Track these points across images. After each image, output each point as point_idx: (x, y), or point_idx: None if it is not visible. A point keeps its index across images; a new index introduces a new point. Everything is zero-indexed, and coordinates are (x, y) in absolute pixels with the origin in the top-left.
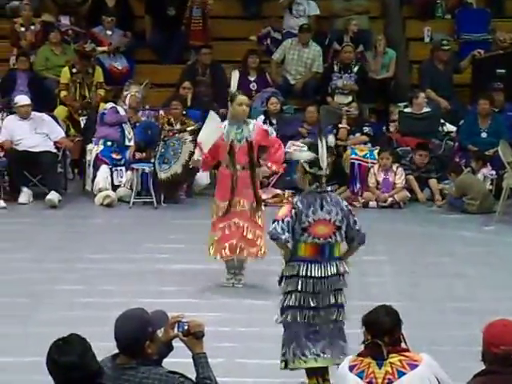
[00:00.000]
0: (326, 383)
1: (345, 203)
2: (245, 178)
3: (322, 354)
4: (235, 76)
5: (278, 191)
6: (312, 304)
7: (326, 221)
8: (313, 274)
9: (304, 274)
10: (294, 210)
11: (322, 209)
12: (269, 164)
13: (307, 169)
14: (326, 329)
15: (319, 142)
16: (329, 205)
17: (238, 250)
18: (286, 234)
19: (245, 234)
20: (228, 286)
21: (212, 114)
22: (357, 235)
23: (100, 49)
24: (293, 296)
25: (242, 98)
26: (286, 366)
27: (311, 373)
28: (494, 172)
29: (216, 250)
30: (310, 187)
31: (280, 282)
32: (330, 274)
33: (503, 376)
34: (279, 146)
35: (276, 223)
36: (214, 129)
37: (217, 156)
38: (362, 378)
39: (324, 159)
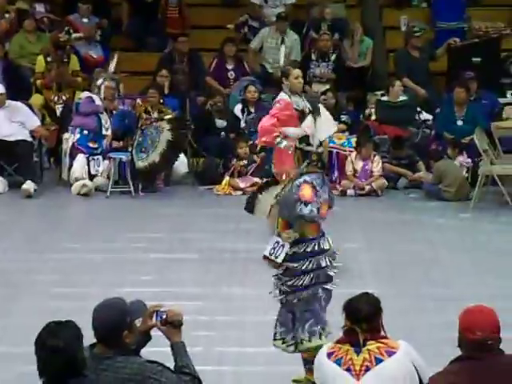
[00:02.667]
0: None
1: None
2: None
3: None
4: (283, 51)
5: (257, 180)
6: (326, 279)
7: (326, 200)
8: (323, 247)
9: (318, 249)
10: (314, 191)
11: (322, 188)
12: None
13: (296, 144)
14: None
15: (314, 117)
16: (325, 184)
17: None
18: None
19: None
20: None
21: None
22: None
23: (76, 35)
24: (312, 274)
25: (296, 71)
26: (296, 348)
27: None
28: (469, 160)
29: None
30: (303, 165)
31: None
32: (328, 247)
33: (479, 362)
34: None
35: (310, 205)
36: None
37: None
38: (339, 365)
39: (316, 137)
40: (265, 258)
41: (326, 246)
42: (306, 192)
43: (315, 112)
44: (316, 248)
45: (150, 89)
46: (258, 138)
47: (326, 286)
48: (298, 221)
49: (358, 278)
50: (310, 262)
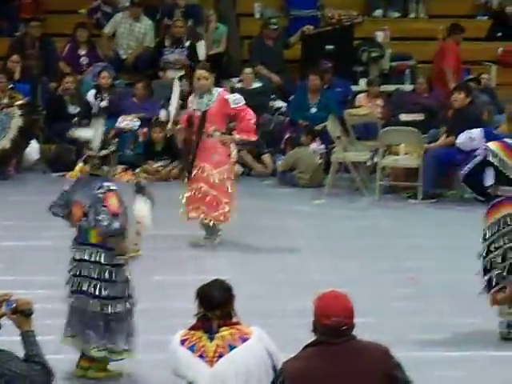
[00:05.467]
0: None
1: (100, 191)
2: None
3: (71, 338)
4: (201, 46)
5: None
6: (73, 288)
7: (79, 203)
8: (73, 257)
9: (73, 255)
10: (66, 188)
11: (82, 191)
12: (235, 133)
13: (85, 149)
14: (82, 315)
15: (95, 121)
16: (86, 188)
17: (199, 213)
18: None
19: (207, 198)
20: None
21: (176, 83)
22: (100, 226)
23: None
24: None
25: (199, 72)
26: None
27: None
28: (323, 146)
29: (184, 212)
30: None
31: None
32: (83, 258)
33: (332, 346)
34: (245, 114)
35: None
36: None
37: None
38: (193, 352)
39: (96, 139)
40: None
41: (75, 256)
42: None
43: (98, 115)
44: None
45: None
46: None
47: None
48: None
49: (212, 264)
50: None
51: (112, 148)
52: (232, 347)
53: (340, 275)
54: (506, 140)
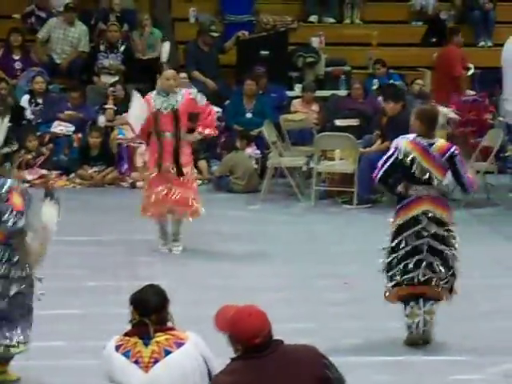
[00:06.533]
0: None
1: (2, 191)
2: (171, 144)
3: None
4: (165, 47)
5: (45, 172)
6: None
7: None
8: None
9: None
10: None
11: None
12: (199, 129)
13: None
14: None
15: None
16: None
17: (167, 214)
18: None
19: (175, 197)
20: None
21: (135, 94)
22: (5, 225)
23: None
24: None
25: (168, 72)
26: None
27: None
28: (258, 151)
29: (145, 211)
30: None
31: None
32: None
33: (260, 360)
34: (209, 111)
35: None
36: (140, 108)
37: (150, 125)
38: (128, 358)
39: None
40: None
41: None
42: None
43: (4, 111)
44: None
45: None
46: None
47: None
48: None
49: (148, 270)
50: None
51: (14, 147)
52: (167, 352)
53: (275, 280)
54: (419, 140)
